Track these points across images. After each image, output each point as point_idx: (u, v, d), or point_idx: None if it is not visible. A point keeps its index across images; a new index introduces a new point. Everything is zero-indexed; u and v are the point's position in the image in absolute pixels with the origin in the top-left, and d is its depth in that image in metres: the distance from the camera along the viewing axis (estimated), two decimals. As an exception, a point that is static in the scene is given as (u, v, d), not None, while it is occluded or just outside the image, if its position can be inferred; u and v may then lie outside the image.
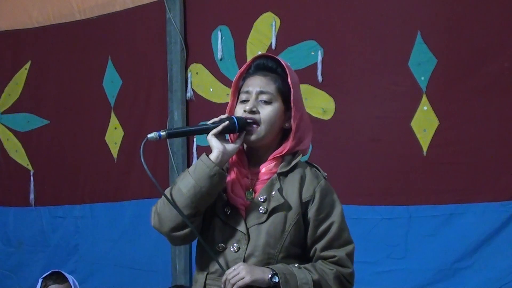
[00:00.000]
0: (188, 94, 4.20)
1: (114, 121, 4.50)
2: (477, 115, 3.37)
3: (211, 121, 2.12)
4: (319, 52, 3.75)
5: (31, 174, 4.87)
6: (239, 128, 2.10)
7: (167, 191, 2.09)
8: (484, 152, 3.35)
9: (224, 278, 2.03)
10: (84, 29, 4.63)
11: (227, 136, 2.15)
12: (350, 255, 2.12)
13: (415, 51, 3.48)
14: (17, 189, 4.93)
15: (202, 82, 4.18)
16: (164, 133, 2.06)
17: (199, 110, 4.16)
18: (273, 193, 2.09)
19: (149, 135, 2.05)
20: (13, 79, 4.93)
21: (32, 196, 4.85)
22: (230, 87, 3.96)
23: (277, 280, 2.00)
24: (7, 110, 4.95)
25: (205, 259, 2.13)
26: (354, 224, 3.58)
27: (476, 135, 3.37)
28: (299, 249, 2.12)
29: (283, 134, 2.19)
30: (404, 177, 3.52)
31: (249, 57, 3.94)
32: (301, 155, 2.17)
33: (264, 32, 3.93)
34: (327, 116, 3.72)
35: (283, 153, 2.14)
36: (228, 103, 2.25)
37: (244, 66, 2.24)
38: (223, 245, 2.08)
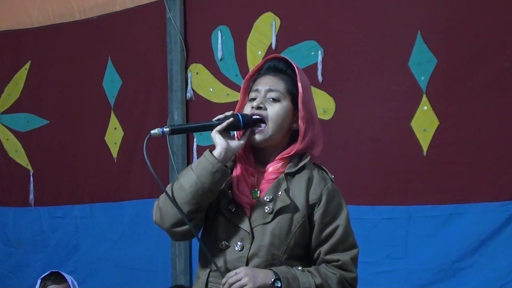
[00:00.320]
0: (188, 94, 4.20)
1: (114, 121, 4.50)
2: (477, 115, 3.37)
3: (215, 118, 2.12)
4: (319, 52, 3.75)
5: (31, 174, 4.87)
6: (244, 125, 2.10)
7: (168, 187, 2.09)
8: (484, 152, 3.35)
9: (224, 280, 2.02)
10: (84, 29, 4.63)
11: (234, 133, 2.15)
12: (354, 260, 2.12)
13: (415, 51, 3.48)
14: (17, 189, 4.93)
15: (202, 82, 4.18)
16: (167, 129, 2.06)
17: (199, 110, 4.16)
18: (280, 193, 2.09)
19: (152, 131, 2.05)
20: (13, 79, 4.93)
21: (31, 196, 4.84)
22: (230, 87, 4.02)
23: (279, 285, 1.99)
24: (7, 110, 4.95)
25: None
26: (354, 224, 3.56)
27: (476, 135, 3.37)
28: (303, 251, 2.12)
29: (292, 135, 2.19)
30: (404, 177, 3.52)
31: (249, 57, 3.95)
32: (309, 156, 2.17)
33: (264, 32, 3.93)
34: (327, 116, 3.72)
35: (291, 154, 2.14)
36: (231, 103, 2.25)
37: (256, 67, 2.25)
38: (227, 243, 2.08)
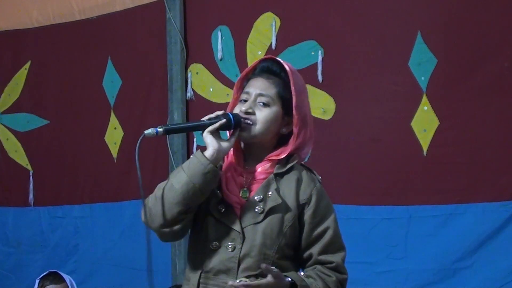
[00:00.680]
0: (188, 94, 4.20)
1: (113, 121, 4.50)
2: (477, 115, 3.37)
3: (207, 117, 2.12)
4: (319, 52, 3.75)
5: (31, 174, 4.87)
6: (235, 125, 2.10)
7: (159, 186, 2.09)
8: (484, 152, 3.35)
9: (238, 283, 1.99)
10: (84, 29, 4.63)
11: (226, 132, 2.14)
12: (344, 261, 2.13)
13: (415, 51, 3.48)
14: (17, 189, 4.93)
15: (202, 82, 4.18)
16: (161, 129, 2.06)
17: (199, 110, 4.15)
18: (270, 193, 2.09)
19: (146, 131, 2.05)
20: (13, 79, 4.93)
21: (31, 196, 4.84)
22: (230, 87, 4.02)
23: None
24: (7, 110, 4.95)
25: (199, 256, 2.11)
26: (354, 224, 3.62)
27: (476, 135, 3.37)
28: (293, 251, 2.12)
29: (280, 139, 2.18)
30: (404, 177, 3.52)
31: (249, 57, 3.96)
32: (297, 158, 2.17)
33: (264, 32, 3.93)
34: (327, 116, 3.72)
35: (280, 157, 2.14)
36: (228, 102, 2.26)
37: (249, 67, 2.24)
38: (217, 244, 2.07)
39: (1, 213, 4.98)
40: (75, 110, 4.69)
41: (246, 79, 2.23)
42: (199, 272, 2.10)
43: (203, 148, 2.09)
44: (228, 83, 4.03)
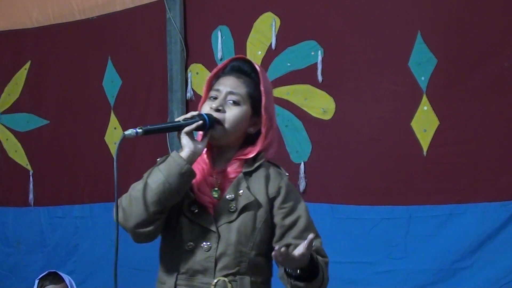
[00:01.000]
0: (188, 94, 4.20)
1: (113, 121, 4.50)
2: (477, 115, 3.37)
3: (182, 118, 2.12)
4: (319, 52, 3.75)
5: (31, 174, 4.86)
6: (209, 126, 2.11)
7: (134, 186, 2.10)
8: (484, 152, 3.35)
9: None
10: (84, 29, 4.63)
11: (197, 133, 2.16)
12: (321, 246, 2.13)
13: (415, 51, 3.48)
14: (16, 189, 4.92)
15: (202, 82, 4.15)
16: (140, 130, 2.05)
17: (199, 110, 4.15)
18: (241, 191, 2.10)
19: (126, 132, 2.05)
20: (13, 79, 4.92)
21: (31, 196, 4.84)
22: (230, 87, 4.01)
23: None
24: (7, 110, 4.95)
25: (174, 258, 2.12)
26: (354, 224, 3.63)
27: (476, 135, 3.36)
28: (268, 246, 2.12)
29: (246, 138, 2.19)
30: (404, 177, 3.52)
31: (249, 57, 3.94)
32: (264, 157, 2.18)
33: (264, 32, 3.93)
34: (327, 116, 3.72)
35: (248, 156, 2.15)
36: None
37: (220, 65, 2.25)
38: (193, 244, 2.08)
39: (1, 213, 4.98)
40: (75, 110, 4.69)
41: (216, 77, 2.23)
42: (175, 274, 2.10)
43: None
44: (228, 83, 4.02)
